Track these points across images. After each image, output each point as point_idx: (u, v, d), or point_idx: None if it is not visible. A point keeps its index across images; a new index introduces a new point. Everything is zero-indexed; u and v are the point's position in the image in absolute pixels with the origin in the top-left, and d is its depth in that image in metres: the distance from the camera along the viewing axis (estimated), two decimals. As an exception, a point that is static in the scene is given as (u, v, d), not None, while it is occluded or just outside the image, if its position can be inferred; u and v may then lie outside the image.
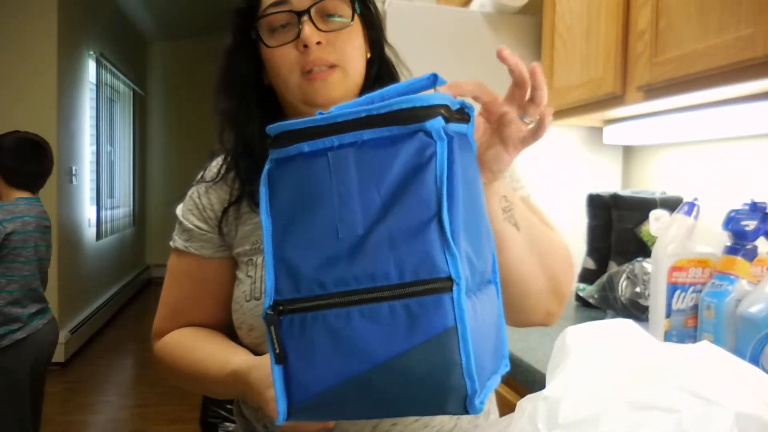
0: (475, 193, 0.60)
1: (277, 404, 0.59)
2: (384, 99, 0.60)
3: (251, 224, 0.89)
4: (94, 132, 5.56)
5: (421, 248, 0.53)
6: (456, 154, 0.54)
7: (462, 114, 0.59)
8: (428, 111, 0.54)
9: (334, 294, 0.56)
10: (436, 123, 0.54)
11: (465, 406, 0.51)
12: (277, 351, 0.58)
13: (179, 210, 0.95)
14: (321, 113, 0.59)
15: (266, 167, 0.60)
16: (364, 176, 0.55)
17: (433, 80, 0.62)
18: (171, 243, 0.94)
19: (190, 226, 0.92)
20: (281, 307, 0.58)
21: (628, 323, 0.39)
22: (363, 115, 0.56)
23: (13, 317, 2.19)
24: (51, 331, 2.38)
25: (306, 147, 0.58)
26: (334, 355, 0.56)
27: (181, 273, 0.94)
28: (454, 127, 0.56)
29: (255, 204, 0.88)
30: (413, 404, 0.55)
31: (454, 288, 0.52)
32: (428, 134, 0.54)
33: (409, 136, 0.54)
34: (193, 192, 0.95)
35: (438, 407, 0.53)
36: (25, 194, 2.35)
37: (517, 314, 0.78)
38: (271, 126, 0.61)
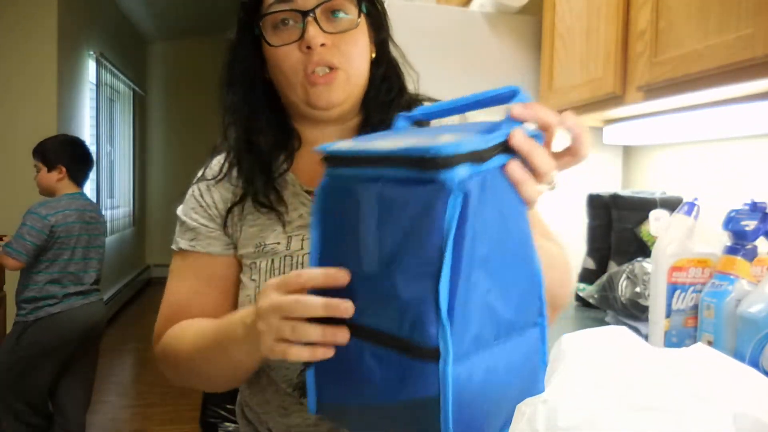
0: (512, 234, 0.56)
1: (308, 398, 0.63)
2: (462, 107, 0.63)
3: (255, 225, 0.87)
4: (94, 132, 5.55)
5: (416, 310, 0.51)
6: (473, 207, 0.50)
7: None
8: (447, 160, 0.50)
9: (353, 324, 0.57)
10: (452, 175, 0.50)
11: None
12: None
13: (180, 210, 0.92)
14: (359, 138, 0.62)
15: (322, 181, 0.61)
16: (383, 214, 0.55)
17: (512, 95, 0.59)
18: (173, 246, 0.91)
19: (195, 224, 0.89)
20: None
21: (623, 330, 0.39)
22: (390, 152, 0.54)
23: (50, 294, 2.54)
24: (93, 313, 2.69)
25: (347, 171, 0.59)
26: (348, 379, 0.59)
27: (186, 271, 0.90)
28: (489, 163, 0.53)
29: (258, 203, 0.86)
30: None
31: (440, 361, 0.50)
32: (442, 185, 0.50)
33: (425, 183, 0.51)
34: (194, 190, 0.92)
35: None
36: (75, 189, 2.69)
37: None
38: (319, 147, 0.62)
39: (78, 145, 2.78)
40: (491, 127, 0.56)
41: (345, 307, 0.56)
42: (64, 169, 2.64)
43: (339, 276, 0.57)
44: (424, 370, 0.51)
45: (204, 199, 0.90)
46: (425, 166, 0.51)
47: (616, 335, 0.38)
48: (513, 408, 0.47)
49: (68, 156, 2.67)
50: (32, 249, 2.49)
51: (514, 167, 0.55)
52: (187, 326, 0.84)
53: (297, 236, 0.85)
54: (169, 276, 0.92)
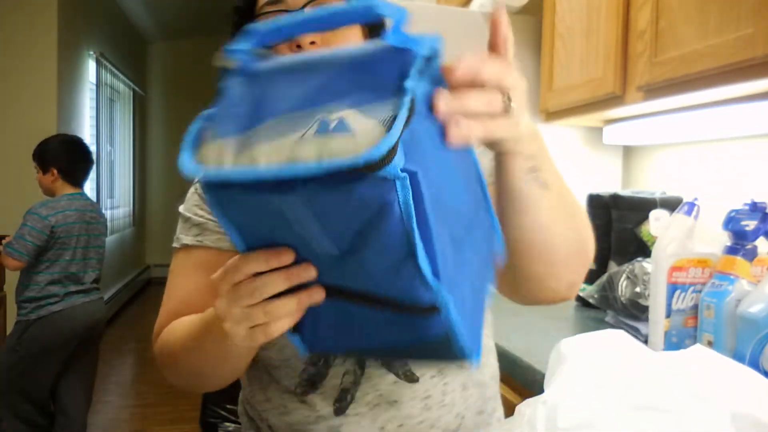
0: (451, 165, 0.51)
1: (297, 348, 0.60)
2: (310, 26, 0.52)
3: None
4: (94, 132, 5.55)
5: (399, 284, 0.49)
6: (422, 176, 0.45)
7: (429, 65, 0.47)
8: (383, 160, 0.42)
9: (334, 286, 0.53)
10: (393, 167, 0.43)
11: (466, 362, 0.54)
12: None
13: (183, 208, 0.91)
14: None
15: (207, 195, 0.50)
16: (321, 218, 0.47)
17: (368, 11, 0.49)
18: (174, 243, 0.90)
19: (202, 219, 0.88)
20: None
21: (621, 333, 0.39)
22: (305, 172, 0.43)
23: (51, 293, 2.58)
24: (93, 311, 2.73)
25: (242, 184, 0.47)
26: (340, 333, 0.57)
27: (192, 266, 0.87)
28: (414, 120, 0.45)
29: None
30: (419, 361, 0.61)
31: (442, 313, 0.49)
32: (384, 179, 0.43)
33: (361, 180, 0.44)
34: (197, 188, 0.91)
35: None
36: (73, 190, 2.71)
37: (539, 289, 0.74)
38: (181, 164, 0.48)
39: (75, 144, 2.79)
40: (384, 68, 0.47)
41: (307, 270, 0.53)
42: (55, 171, 2.67)
43: (282, 256, 0.52)
44: (426, 321, 0.50)
45: None
46: (358, 173, 0.43)
47: (614, 338, 0.38)
48: (484, 264, 0.55)
49: (63, 157, 2.68)
50: (33, 249, 2.51)
51: (455, 132, 0.49)
52: (181, 320, 0.82)
53: None
54: (171, 274, 0.90)
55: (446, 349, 0.52)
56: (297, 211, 0.47)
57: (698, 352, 0.36)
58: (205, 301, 0.83)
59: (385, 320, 0.53)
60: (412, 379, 0.82)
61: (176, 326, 0.82)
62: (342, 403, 0.82)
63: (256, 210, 0.49)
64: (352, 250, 0.48)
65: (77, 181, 2.75)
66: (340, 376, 0.82)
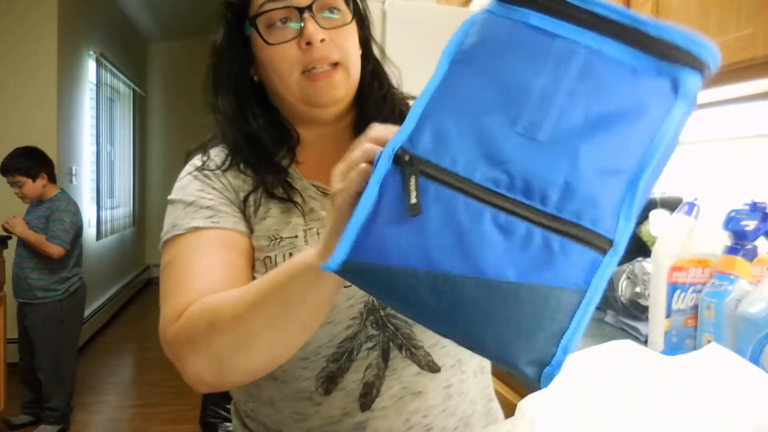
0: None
1: (336, 250, 0.49)
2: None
3: (268, 218, 0.82)
4: (94, 132, 5.55)
5: (597, 196, 0.45)
6: (683, 124, 0.48)
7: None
8: (694, 61, 0.46)
9: (475, 184, 0.47)
10: (691, 79, 0.47)
11: (539, 374, 0.43)
12: (377, 198, 0.49)
13: (180, 194, 0.85)
14: None
15: (480, 13, 0.52)
16: (582, 85, 0.47)
17: None
18: (175, 231, 0.79)
19: (212, 202, 0.81)
20: (407, 158, 0.48)
21: (629, 343, 0.38)
22: (626, 23, 0.47)
23: (76, 273, 3.25)
24: (83, 289, 3.39)
25: (534, 19, 0.50)
26: (434, 240, 0.47)
27: (210, 245, 0.77)
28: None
29: (269, 195, 0.82)
30: (483, 337, 0.45)
31: (608, 254, 0.45)
32: (674, 84, 0.47)
33: (653, 75, 0.47)
34: (196, 176, 0.86)
35: (510, 358, 0.44)
36: (57, 189, 3.21)
37: None
38: None
39: (40, 151, 3.24)
40: None
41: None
42: (45, 176, 3.14)
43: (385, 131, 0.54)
44: (582, 256, 0.44)
45: (217, 182, 0.84)
46: (666, 56, 0.47)
47: (624, 349, 0.37)
48: None
49: (43, 163, 3.15)
50: (72, 238, 3.13)
51: None
52: (224, 293, 0.70)
53: (312, 229, 0.81)
54: (181, 256, 0.77)
55: (542, 328, 0.43)
56: (566, 68, 0.48)
57: (715, 353, 0.34)
58: (233, 275, 0.75)
59: (516, 241, 0.45)
60: (435, 368, 0.81)
61: (223, 296, 0.69)
62: (367, 398, 0.78)
63: (514, 48, 0.50)
64: (569, 137, 0.47)
65: (55, 180, 3.25)
66: (362, 371, 0.78)
